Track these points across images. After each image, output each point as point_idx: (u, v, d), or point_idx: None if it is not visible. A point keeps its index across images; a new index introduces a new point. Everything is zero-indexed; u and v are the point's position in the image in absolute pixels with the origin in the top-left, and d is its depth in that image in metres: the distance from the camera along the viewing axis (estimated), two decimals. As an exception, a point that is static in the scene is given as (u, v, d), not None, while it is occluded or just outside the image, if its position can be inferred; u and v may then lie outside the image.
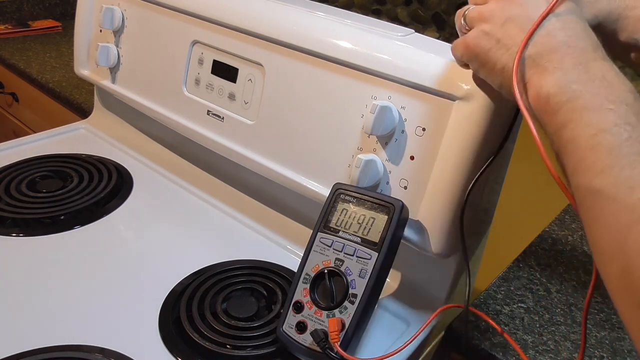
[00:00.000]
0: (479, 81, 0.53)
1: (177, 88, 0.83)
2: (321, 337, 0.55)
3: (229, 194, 0.85)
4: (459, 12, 0.50)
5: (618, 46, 0.53)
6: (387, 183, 0.63)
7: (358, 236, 0.58)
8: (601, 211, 0.36)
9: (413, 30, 0.67)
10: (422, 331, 0.61)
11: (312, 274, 0.58)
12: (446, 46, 0.64)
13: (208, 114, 0.79)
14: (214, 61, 0.78)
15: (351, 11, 0.76)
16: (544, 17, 0.43)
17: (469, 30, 0.49)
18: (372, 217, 0.58)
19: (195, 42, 0.80)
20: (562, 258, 0.83)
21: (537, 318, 0.70)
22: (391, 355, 0.57)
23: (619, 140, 0.36)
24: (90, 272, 0.68)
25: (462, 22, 0.49)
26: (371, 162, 0.61)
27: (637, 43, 0.51)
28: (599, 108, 0.38)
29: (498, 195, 0.66)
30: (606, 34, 0.52)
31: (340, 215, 0.60)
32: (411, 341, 0.59)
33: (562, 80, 0.40)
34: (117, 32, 0.90)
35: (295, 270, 0.61)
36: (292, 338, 0.57)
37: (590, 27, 0.52)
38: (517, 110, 0.55)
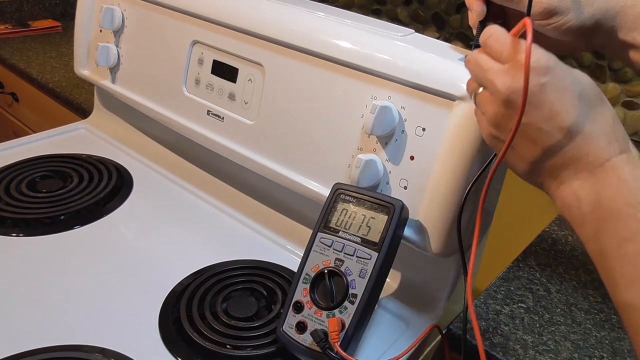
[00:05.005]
0: None
1: (177, 88, 0.83)
2: (321, 337, 0.55)
3: (229, 194, 0.85)
4: (469, 83, 0.47)
5: (616, 44, 0.52)
6: (387, 183, 0.63)
7: (358, 236, 0.58)
8: (637, 327, 0.36)
9: (413, 30, 0.67)
10: (414, 345, 0.61)
11: (312, 274, 0.58)
12: (446, 46, 0.65)
13: (208, 114, 0.79)
14: (214, 61, 0.78)
15: (351, 11, 0.76)
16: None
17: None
18: (372, 217, 0.58)
19: (195, 42, 0.80)
20: (562, 258, 0.83)
21: (537, 318, 0.70)
22: None
23: None
24: (90, 272, 0.68)
25: (473, 100, 0.47)
26: (371, 162, 0.61)
27: (635, 41, 0.51)
28: (618, 214, 0.37)
29: (498, 195, 0.66)
30: (604, 31, 0.51)
31: (340, 215, 0.60)
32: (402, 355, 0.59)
33: (580, 192, 0.40)
34: (117, 32, 0.90)
35: (295, 270, 0.61)
36: (292, 338, 0.57)
37: (588, 25, 0.51)
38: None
